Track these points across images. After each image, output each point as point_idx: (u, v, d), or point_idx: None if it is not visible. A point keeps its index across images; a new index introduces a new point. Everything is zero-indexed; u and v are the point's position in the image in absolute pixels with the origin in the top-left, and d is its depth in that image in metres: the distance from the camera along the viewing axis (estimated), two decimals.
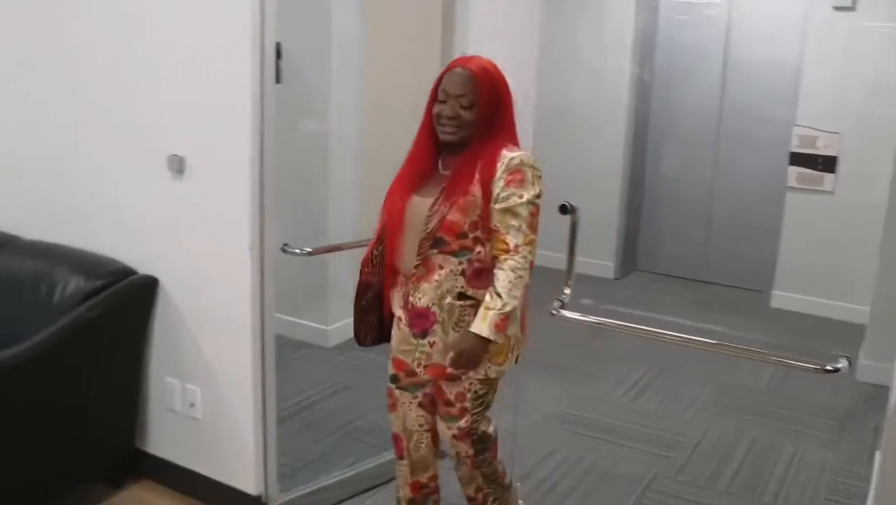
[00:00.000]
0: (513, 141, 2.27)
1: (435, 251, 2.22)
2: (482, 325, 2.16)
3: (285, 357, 3.64)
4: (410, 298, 2.29)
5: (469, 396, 2.35)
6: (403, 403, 2.49)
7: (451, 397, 2.36)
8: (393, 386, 2.50)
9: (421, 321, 2.29)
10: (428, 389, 2.45)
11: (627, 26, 5.83)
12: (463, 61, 2.25)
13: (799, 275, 5.43)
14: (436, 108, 2.24)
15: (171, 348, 2.91)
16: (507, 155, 2.20)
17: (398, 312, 2.38)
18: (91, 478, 2.96)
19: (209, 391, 2.85)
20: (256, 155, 2.59)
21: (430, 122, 2.28)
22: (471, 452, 2.43)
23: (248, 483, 2.82)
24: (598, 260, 6.09)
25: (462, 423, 2.37)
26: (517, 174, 2.18)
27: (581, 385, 4.20)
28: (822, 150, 5.26)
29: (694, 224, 6.10)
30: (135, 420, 3.01)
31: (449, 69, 2.24)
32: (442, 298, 2.24)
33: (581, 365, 4.46)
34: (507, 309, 2.15)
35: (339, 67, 4.25)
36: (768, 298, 5.56)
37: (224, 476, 2.87)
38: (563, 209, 2.39)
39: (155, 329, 2.94)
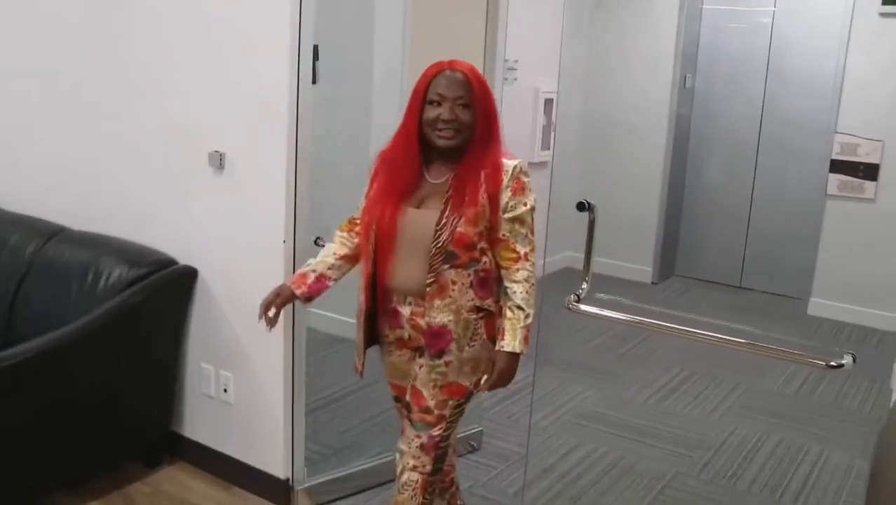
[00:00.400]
0: (501, 145, 2.23)
1: (447, 266, 2.16)
2: (514, 342, 2.16)
3: (319, 351, 3.77)
4: (425, 319, 2.20)
5: (451, 403, 2.26)
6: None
7: (432, 404, 2.25)
8: (398, 405, 2.43)
9: (437, 341, 2.21)
10: None
11: (671, 34, 5.86)
12: (448, 64, 2.17)
13: (837, 283, 5.40)
14: (430, 113, 2.14)
15: (208, 335, 3.05)
16: (509, 163, 2.18)
17: (388, 334, 2.31)
18: (128, 457, 3.11)
19: (242, 377, 2.98)
20: (292, 152, 2.71)
21: (414, 129, 2.17)
22: (429, 467, 2.28)
23: (277, 467, 2.93)
24: (637, 264, 6.12)
25: (435, 431, 2.26)
26: (519, 182, 2.17)
27: (611, 386, 4.24)
28: (863, 157, 5.23)
29: (733, 230, 6.10)
30: (171, 403, 3.15)
31: (437, 72, 2.16)
32: (458, 313, 2.18)
33: (612, 367, 4.51)
34: (531, 320, 2.19)
35: (382, 67, 4.36)
36: (806, 305, 5.53)
37: (254, 459, 3.00)
38: (581, 206, 2.45)
39: (193, 317, 3.08)
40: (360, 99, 4.38)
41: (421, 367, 2.25)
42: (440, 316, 2.18)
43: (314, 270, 2.36)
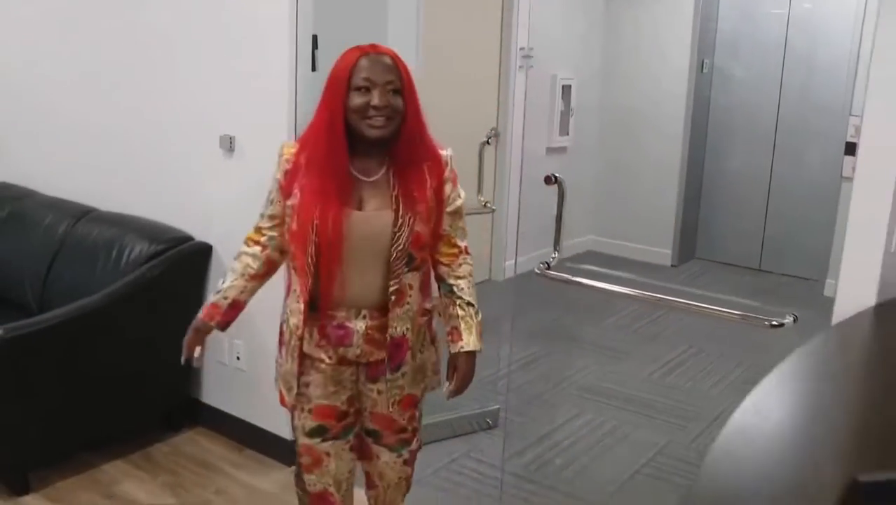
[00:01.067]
0: (430, 134, 2.05)
1: (407, 271, 1.99)
2: (471, 339, 2.07)
3: None
4: (388, 331, 2.02)
5: (418, 413, 2.22)
6: (335, 453, 2.17)
7: (405, 422, 2.18)
8: (317, 440, 2.15)
9: (397, 353, 2.05)
10: (358, 428, 2.21)
11: (688, 20, 5.94)
12: (371, 47, 1.95)
13: None
14: (358, 100, 1.90)
15: None
16: (444, 153, 2.05)
17: (332, 354, 2.06)
18: (150, 421, 3.35)
19: (252, 346, 3.19)
20: (292, 135, 2.90)
21: (339, 120, 1.92)
22: (411, 471, 2.30)
23: (285, 429, 3.14)
24: (657, 248, 6.23)
25: (414, 445, 2.24)
26: (454, 173, 2.06)
27: (617, 362, 4.38)
28: None
29: (751, 213, 6.16)
30: (189, 371, 3.36)
31: (360, 55, 1.92)
32: (413, 319, 2.05)
33: (621, 344, 4.64)
34: (480, 316, 2.11)
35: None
36: (822, 286, 5.58)
37: (264, 422, 3.22)
38: (548, 180, 2.59)
39: (208, 289, 3.30)
40: None
41: (380, 392, 2.10)
42: (400, 325, 2.03)
43: (226, 298, 2.14)
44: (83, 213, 3.53)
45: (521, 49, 5.32)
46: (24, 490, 2.95)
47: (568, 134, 5.91)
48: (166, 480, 3.10)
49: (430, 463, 3.18)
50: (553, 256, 2.54)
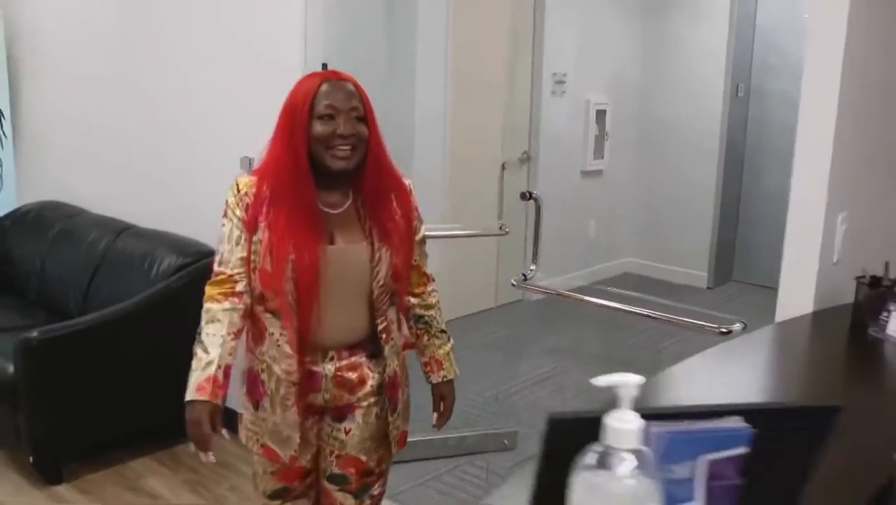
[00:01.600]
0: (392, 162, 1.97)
1: (391, 306, 1.96)
2: (452, 368, 2.11)
3: None
4: (386, 371, 1.96)
5: (387, 455, 2.07)
6: None
7: (373, 464, 2.03)
8: (277, 503, 2.06)
9: (394, 393, 1.99)
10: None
11: (722, 45, 6.01)
12: (331, 73, 1.86)
13: None
14: (321, 128, 1.79)
15: None
16: (408, 182, 1.98)
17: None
18: (176, 422, 3.57)
19: None
20: None
21: (303, 150, 1.81)
22: None
23: None
24: (692, 270, 6.27)
25: (376, 489, 2.06)
26: (416, 200, 2.00)
27: None
28: None
29: None
30: None
31: (321, 81, 1.82)
32: (398, 354, 2.01)
33: (642, 363, 4.71)
34: (452, 340, 2.13)
35: (424, 80, 4.66)
36: None
37: None
38: (523, 196, 2.72)
39: None
40: (405, 118, 4.73)
41: (348, 432, 1.98)
42: (391, 363, 1.97)
43: (219, 366, 1.92)
44: (123, 230, 3.83)
45: (554, 74, 5.47)
46: (57, 481, 3.22)
47: (603, 157, 6.02)
48: (187, 477, 3.33)
49: (434, 468, 3.34)
50: (531, 268, 2.68)
